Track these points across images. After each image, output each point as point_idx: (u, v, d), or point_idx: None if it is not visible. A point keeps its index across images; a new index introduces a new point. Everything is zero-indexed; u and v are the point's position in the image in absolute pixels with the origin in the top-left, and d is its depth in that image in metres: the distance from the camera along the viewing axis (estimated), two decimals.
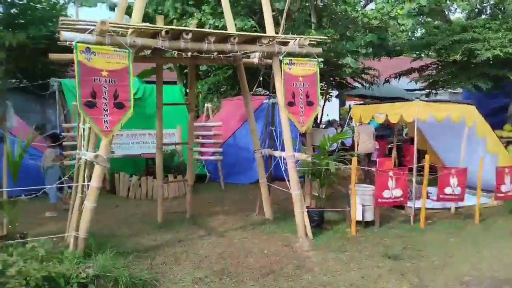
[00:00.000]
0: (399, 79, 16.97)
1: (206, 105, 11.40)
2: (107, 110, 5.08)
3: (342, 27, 10.87)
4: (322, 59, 11.67)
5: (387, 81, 16.32)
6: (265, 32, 6.60)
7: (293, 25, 10.53)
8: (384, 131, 15.63)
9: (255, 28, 10.13)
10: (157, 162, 7.38)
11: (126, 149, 10.26)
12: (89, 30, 4.99)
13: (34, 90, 11.99)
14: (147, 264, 5.24)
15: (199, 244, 6.04)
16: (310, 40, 6.59)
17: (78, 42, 4.85)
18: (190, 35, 5.61)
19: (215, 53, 6.23)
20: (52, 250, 4.51)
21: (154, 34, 5.56)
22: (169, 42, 5.57)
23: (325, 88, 16.89)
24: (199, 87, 13.96)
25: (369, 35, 10.29)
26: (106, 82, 5.04)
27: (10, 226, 5.17)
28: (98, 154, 5.07)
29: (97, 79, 4.98)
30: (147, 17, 12.39)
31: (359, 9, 10.16)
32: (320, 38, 6.88)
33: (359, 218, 6.90)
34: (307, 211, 6.81)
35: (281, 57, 6.39)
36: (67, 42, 4.92)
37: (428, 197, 8.13)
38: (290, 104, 6.46)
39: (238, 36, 6.04)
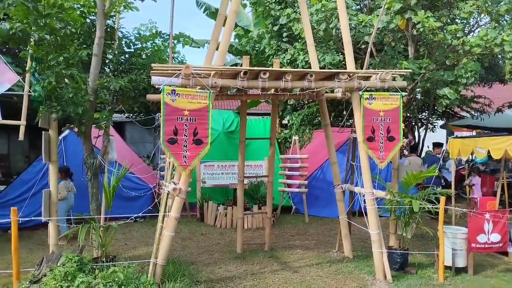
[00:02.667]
0: None
1: (294, 137, 11.53)
2: (186, 146, 5.49)
3: (441, 56, 10.25)
4: (419, 90, 11.22)
5: (499, 110, 14.86)
6: (359, 68, 6.58)
7: (386, 57, 10.24)
8: (494, 165, 14.16)
9: (344, 62, 10.09)
10: (238, 194, 7.66)
11: (216, 179, 10.82)
12: (176, 74, 5.51)
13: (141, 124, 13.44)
14: None
15: (270, 278, 6.07)
16: (393, 74, 6.41)
17: (165, 85, 5.38)
18: (267, 75, 5.85)
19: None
20: (132, 276, 4.91)
21: (235, 75, 5.91)
22: (248, 82, 5.86)
23: (426, 118, 15.96)
24: (293, 118, 14.20)
25: (471, 64, 9.54)
26: (187, 120, 5.47)
27: (102, 249, 5.76)
28: (177, 187, 5.47)
29: (179, 118, 5.44)
30: (247, 53, 13.21)
31: (460, 37, 9.48)
32: (404, 72, 6.64)
33: (449, 263, 6.31)
34: (389, 252, 6.47)
35: (360, 92, 6.30)
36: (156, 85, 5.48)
37: None
38: (369, 139, 6.29)
39: (315, 74, 6.12)
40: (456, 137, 10.68)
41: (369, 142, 6.29)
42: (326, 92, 7.94)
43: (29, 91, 6.16)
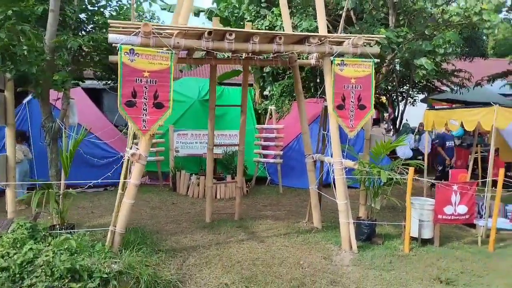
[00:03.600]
0: (493, 82, 15.31)
1: (270, 107, 11.29)
2: (146, 109, 5.21)
3: (420, 25, 10.02)
4: (398, 61, 11.00)
5: (478, 84, 14.80)
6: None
7: (365, 25, 9.95)
8: (471, 140, 14.20)
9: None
10: (208, 163, 7.44)
11: (189, 148, 10.58)
12: (134, 32, 5.16)
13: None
14: (178, 264, 5.27)
15: (235, 248, 5.95)
16: (366, 39, 6.16)
17: (123, 44, 5.05)
18: (233, 36, 5.55)
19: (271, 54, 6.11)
20: (87, 244, 4.71)
21: (200, 35, 5.59)
22: (213, 43, 5.56)
23: (406, 91, 15.85)
24: (273, 89, 13.91)
25: (449, 34, 9.34)
26: (147, 82, 5.17)
27: (60, 217, 5.53)
28: (136, 153, 5.22)
29: (138, 79, 5.13)
30: (225, 21, 12.77)
31: (440, 5, 9.24)
32: (376, 37, 6.39)
33: (415, 234, 6.28)
34: (357, 223, 6.40)
35: (332, 58, 6.05)
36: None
37: (505, 217, 7.19)
38: (340, 107, 6.10)
39: (284, 36, 5.83)
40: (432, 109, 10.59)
41: (339, 110, 6.10)
42: (300, 58, 7.70)
43: None
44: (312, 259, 5.60)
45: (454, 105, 17.69)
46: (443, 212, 6.23)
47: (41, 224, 5.20)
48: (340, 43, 6.21)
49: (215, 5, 14.17)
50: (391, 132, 15.14)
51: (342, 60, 6.11)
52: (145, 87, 5.17)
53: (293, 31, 7.35)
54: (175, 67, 5.49)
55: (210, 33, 5.41)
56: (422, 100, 18.40)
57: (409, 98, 16.38)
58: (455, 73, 14.35)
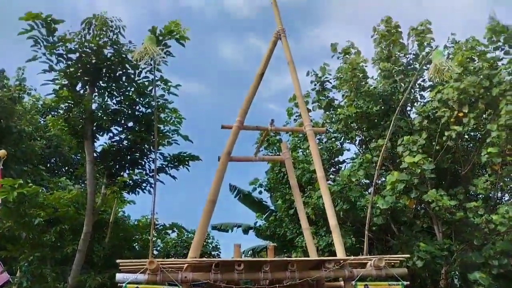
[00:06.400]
0: None
1: None
2: None
3: (470, 235, 9.42)
4: (453, 274, 9.99)
5: None
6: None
7: (405, 238, 9.53)
8: None
9: (358, 245, 9.51)
10: None
11: None
12: (141, 270, 5.24)
13: None
14: None
15: None
16: (388, 260, 5.77)
17: (128, 283, 5.08)
18: (242, 266, 5.45)
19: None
20: None
21: (209, 267, 5.54)
22: (222, 275, 5.45)
23: None
24: None
25: (499, 243, 8.59)
26: None
27: None
28: None
29: None
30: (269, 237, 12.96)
31: (482, 214, 8.78)
32: (401, 257, 6.00)
33: None
34: None
35: (353, 282, 5.61)
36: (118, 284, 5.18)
37: None
38: None
39: (297, 263, 5.63)
40: None
41: None
42: (328, 281, 7.24)
43: None
44: None
45: None
46: None
47: None
48: (363, 265, 5.85)
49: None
50: None
51: (366, 284, 5.66)
52: None
53: None
54: None
55: (217, 265, 5.37)
56: None
57: None
58: None
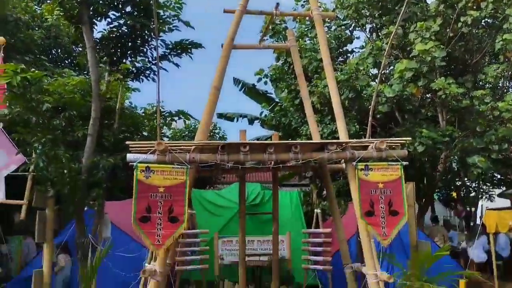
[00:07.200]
0: None
1: (316, 210, 10.84)
2: (160, 224, 5.23)
3: (472, 123, 9.50)
4: (452, 158, 10.30)
5: None
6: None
7: (409, 125, 9.66)
8: None
9: (361, 133, 9.68)
10: (240, 273, 7.13)
11: (235, 255, 10.20)
12: (151, 151, 5.42)
13: None
14: None
15: None
16: (390, 143, 5.90)
17: (138, 163, 5.30)
18: (247, 148, 5.62)
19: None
20: None
21: (216, 149, 5.73)
22: (228, 156, 5.64)
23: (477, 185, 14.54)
24: None
25: (501, 129, 8.70)
26: (162, 197, 5.27)
27: None
28: (146, 269, 5.13)
29: (153, 195, 5.26)
30: (275, 126, 13.24)
31: (488, 102, 8.77)
32: (401, 140, 6.10)
33: None
34: None
35: (354, 163, 5.81)
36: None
37: None
38: (368, 214, 5.69)
39: (301, 145, 5.79)
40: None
41: (368, 217, 5.68)
42: (330, 163, 7.52)
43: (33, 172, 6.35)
44: None
45: None
46: None
47: None
48: (364, 148, 6.01)
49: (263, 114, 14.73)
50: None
51: (366, 165, 5.86)
52: (160, 202, 5.27)
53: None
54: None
55: (223, 147, 5.53)
56: (499, 195, 16.67)
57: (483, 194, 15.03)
58: None
